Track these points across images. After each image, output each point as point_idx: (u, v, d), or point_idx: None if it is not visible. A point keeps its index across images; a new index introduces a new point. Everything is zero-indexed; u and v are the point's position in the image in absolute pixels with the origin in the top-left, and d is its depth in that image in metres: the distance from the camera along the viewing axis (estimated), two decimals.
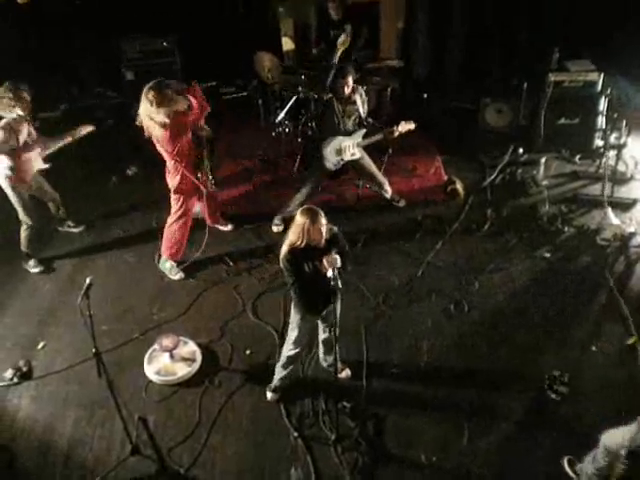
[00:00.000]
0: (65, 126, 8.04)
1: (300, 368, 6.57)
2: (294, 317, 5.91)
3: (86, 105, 10.65)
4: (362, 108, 8.15)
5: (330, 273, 5.18)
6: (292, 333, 5.99)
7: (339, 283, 5.22)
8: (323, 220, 5.26)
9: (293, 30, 11.19)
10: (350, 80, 7.94)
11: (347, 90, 7.94)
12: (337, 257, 5.25)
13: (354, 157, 8.13)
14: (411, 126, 8.12)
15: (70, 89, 10.80)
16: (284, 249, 5.39)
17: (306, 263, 5.36)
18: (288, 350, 6.09)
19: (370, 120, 8.35)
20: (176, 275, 7.81)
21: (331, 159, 8.01)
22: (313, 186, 8.36)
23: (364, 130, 8.13)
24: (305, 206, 5.40)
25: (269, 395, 6.34)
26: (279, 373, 6.26)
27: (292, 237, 5.31)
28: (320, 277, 5.32)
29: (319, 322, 6.05)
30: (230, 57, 10.70)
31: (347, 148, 8.03)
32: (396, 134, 8.08)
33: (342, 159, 8.08)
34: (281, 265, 5.49)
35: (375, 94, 9.93)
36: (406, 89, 10.20)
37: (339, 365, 6.20)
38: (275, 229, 8.40)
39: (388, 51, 11.11)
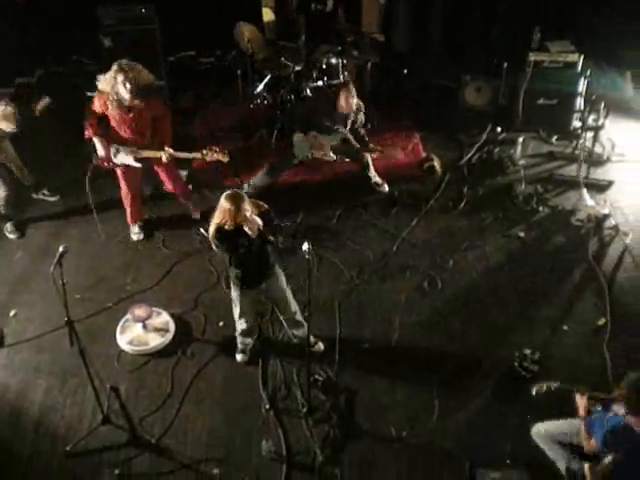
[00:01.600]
0: (40, 92, 7.96)
1: (272, 336, 6.66)
2: (233, 293, 6.03)
3: (62, 71, 10.51)
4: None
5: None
6: (235, 309, 6.13)
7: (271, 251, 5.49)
8: (247, 206, 5.33)
9: (274, 1, 11.07)
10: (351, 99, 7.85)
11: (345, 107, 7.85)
12: (255, 217, 5.35)
13: (325, 158, 8.07)
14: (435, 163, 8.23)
15: (45, 55, 10.65)
16: (211, 229, 5.48)
17: (239, 240, 5.43)
18: (238, 324, 6.23)
19: (361, 131, 8.18)
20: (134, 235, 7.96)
21: (300, 151, 7.96)
22: (276, 172, 8.34)
23: (343, 133, 8.03)
24: (229, 192, 5.42)
25: (238, 357, 6.44)
26: (240, 339, 6.37)
27: (217, 220, 5.42)
28: (254, 253, 5.47)
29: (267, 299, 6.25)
30: (210, 26, 10.58)
31: (321, 147, 7.96)
32: (373, 155, 8.16)
33: (312, 154, 8.05)
34: (212, 243, 5.58)
35: (355, 69, 9.89)
36: (386, 64, 10.13)
37: (311, 339, 6.26)
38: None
39: (370, 25, 11.04)
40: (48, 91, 8.08)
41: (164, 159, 7.06)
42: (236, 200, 5.29)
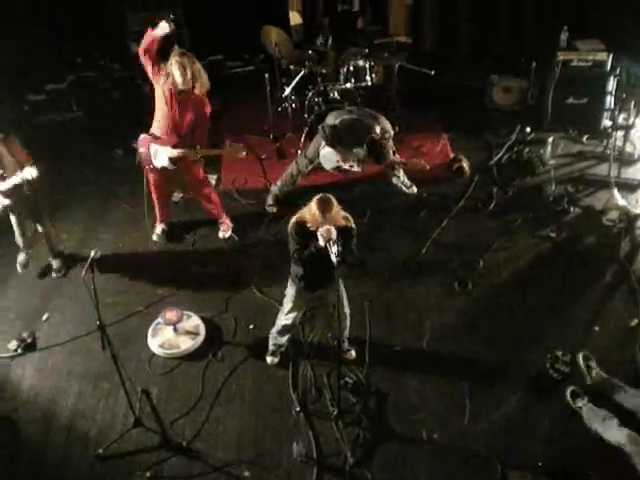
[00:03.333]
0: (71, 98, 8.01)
1: (302, 339, 6.67)
2: (289, 289, 6.01)
3: (91, 77, 10.61)
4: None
5: (334, 250, 5.17)
6: (286, 305, 6.09)
7: (335, 261, 5.18)
8: (333, 215, 5.29)
9: (301, 4, 11.10)
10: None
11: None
12: (332, 229, 5.24)
13: (352, 169, 7.98)
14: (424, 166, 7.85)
15: (75, 61, 10.75)
16: (293, 219, 5.48)
17: (312, 241, 5.36)
18: (282, 320, 6.19)
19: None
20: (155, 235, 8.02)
21: (327, 163, 7.95)
22: (299, 173, 8.25)
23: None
24: (322, 195, 5.39)
25: (269, 359, 6.45)
26: (274, 339, 6.36)
27: (306, 216, 5.38)
28: (321, 258, 5.34)
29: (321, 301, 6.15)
30: (237, 31, 10.63)
31: (347, 159, 7.85)
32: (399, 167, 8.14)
33: (339, 167, 8.00)
34: (288, 232, 5.54)
35: (383, 70, 9.88)
36: (414, 65, 10.11)
37: (346, 345, 6.29)
38: (269, 210, 8.33)
39: (397, 27, 11.04)
40: (77, 97, 8.10)
41: (189, 155, 7.12)
42: (324, 206, 5.27)
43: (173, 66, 6.76)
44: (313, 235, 5.31)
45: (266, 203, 8.36)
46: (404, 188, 8.50)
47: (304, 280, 5.76)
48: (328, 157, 7.88)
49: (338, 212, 5.36)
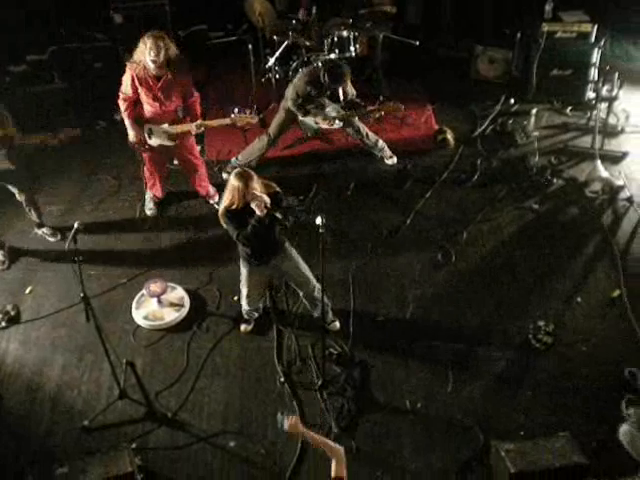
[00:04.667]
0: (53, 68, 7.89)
1: (286, 310, 6.69)
2: (242, 271, 6.08)
3: (73, 47, 10.49)
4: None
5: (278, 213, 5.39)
6: (243, 289, 6.19)
7: (278, 230, 5.57)
8: (255, 184, 5.34)
9: None
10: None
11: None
12: (264, 195, 5.33)
13: (333, 127, 7.96)
14: (398, 106, 7.94)
15: (57, 31, 10.62)
16: (220, 209, 5.54)
17: (247, 218, 5.44)
18: (245, 305, 6.33)
19: (358, 100, 8.02)
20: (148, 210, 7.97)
21: (307, 128, 7.90)
22: (272, 140, 8.19)
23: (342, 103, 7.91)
24: (238, 170, 5.46)
25: (242, 327, 6.53)
26: (245, 313, 6.46)
27: (226, 200, 5.45)
28: (263, 230, 5.46)
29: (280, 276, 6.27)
30: (220, 0, 10.54)
31: (325, 118, 7.81)
32: (378, 113, 8.03)
33: (319, 128, 7.99)
34: (222, 224, 5.61)
35: (367, 41, 9.82)
36: (398, 36, 10.05)
37: (330, 316, 6.33)
38: (224, 176, 8.25)
39: None
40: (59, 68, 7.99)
41: (194, 130, 7.07)
42: (245, 178, 5.31)
43: (146, 51, 6.63)
44: (245, 213, 5.41)
45: (222, 173, 8.36)
46: (385, 159, 8.48)
47: (254, 257, 5.82)
48: (306, 122, 7.88)
49: (258, 181, 5.41)
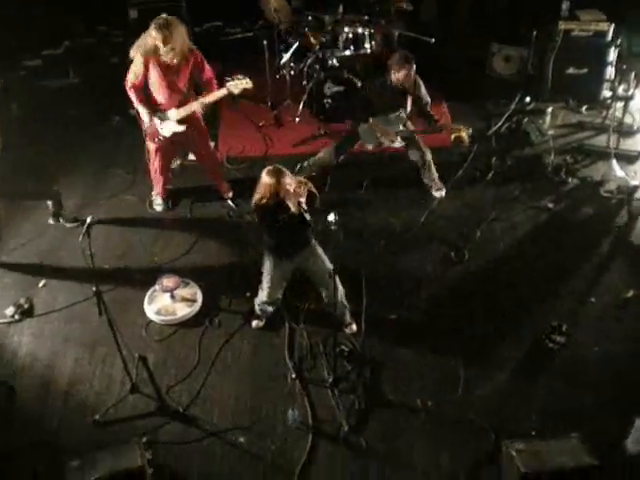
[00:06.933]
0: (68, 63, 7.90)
1: (299, 307, 6.67)
2: (266, 264, 6.05)
3: (89, 43, 10.53)
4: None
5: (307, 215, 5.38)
6: (265, 281, 6.15)
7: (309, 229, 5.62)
8: (288, 180, 5.36)
9: None
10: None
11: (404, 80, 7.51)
12: (300, 193, 5.40)
13: (392, 145, 7.82)
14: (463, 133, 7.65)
15: (73, 26, 10.65)
16: (253, 204, 5.57)
17: (279, 214, 5.47)
18: (262, 295, 6.28)
19: (427, 108, 7.82)
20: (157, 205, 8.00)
21: (368, 140, 7.84)
22: (336, 154, 8.00)
23: (404, 118, 7.75)
24: (270, 167, 5.47)
25: (254, 323, 6.52)
26: (259, 308, 6.43)
27: (258, 195, 5.48)
28: (291, 225, 5.50)
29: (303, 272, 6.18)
30: None
31: (387, 133, 7.69)
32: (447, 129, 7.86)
33: (380, 142, 7.84)
34: (256, 220, 5.73)
35: (382, 38, 9.80)
36: (414, 33, 10.02)
37: (347, 319, 6.36)
38: None
39: None
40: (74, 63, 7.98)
41: (198, 108, 7.05)
42: (277, 175, 5.34)
43: (157, 42, 6.60)
44: (277, 207, 5.42)
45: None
46: (432, 191, 8.04)
47: (278, 250, 5.85)
48: (368, 133, 7.77)
49: (292, 177, 5.43)
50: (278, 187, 5.32)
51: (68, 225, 7.64)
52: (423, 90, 7.72)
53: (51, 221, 7.71)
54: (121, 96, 7.24)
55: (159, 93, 7.03)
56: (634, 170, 8.21)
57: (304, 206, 5.39)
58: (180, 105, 7.05)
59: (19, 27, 9.78)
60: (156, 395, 5.96)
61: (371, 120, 7.67)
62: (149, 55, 6.76)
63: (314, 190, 5.60)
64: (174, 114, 7.06)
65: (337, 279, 5.72)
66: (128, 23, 9.92)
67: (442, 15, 11.22)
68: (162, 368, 6.21)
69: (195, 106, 7.04)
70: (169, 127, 7.13)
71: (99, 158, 8.82)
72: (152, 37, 6.62)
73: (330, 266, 5.87)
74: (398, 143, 7.78)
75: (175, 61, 6.74)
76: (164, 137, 7.20)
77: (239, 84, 6.93)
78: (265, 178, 5.38)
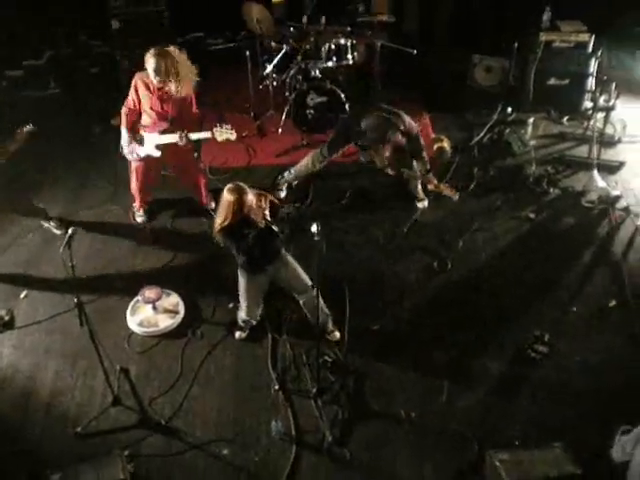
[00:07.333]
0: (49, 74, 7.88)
1: (281, 318, 6.67)
2: (241, 282, 6.05)
3: (70, 53, 10.50)
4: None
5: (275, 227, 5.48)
6: (242, 299, 6.18)
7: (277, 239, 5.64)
8: (250, 196, 5.38)
9: None
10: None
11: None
12: (262, 206, 5.46)
13: (382, 167, 7.66)
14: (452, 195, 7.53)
15: (54, 37, 10.63)
16: (216, 226, 5.52)
17: (245, 231, 5.47)
18: (243, 315, 6.32)
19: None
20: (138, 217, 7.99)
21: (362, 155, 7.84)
22: (328, 156, 7.89)
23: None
24: (230, 185, 5.44)
25: (237, 334, 6.51)
26: (241, 320, 6.43)
27: (220, 217, 5.45)
28: (261, 240, 5.50)
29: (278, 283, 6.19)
30: (218, 7, 10.55)
31: (380, 155, 7.51)
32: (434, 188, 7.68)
33: (370, 158, 7.89)
34: (221, 243, 5.65)
35: (365, 49, 9.84)
36: (396, 45, 10.07)
37: (330, 326, 6.37)
38: (282, 195, 8.11)
39: (380, 6, 10.96)
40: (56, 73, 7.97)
41: (178, 140, 7.01)
42: (239, 191, 5.33)
43: (149, 67, 6.66)
44: (241, 226, 5.43)
45: (277, 187, 8.17)
46: (416, 201, 8.06)
47: (251, 265, 5.81)
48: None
49: (252, 192, 5.43)
50: (242, 203, 5.31)
51: (57, 232, 7.64)
52: (423, 154, 7.58)
53: (43, 223, 7.71)
54: (102, 107, 7.22)
55: (146, 116, 7.07)
56: (615, 180, 8.26)
57: (268, 218, 5.45)
58: (166, 131, 7.05)
59: (1, 37, 9.75)
60: (138, 407, 5.93)
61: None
62: (142, 75, 6.84)
63: (275, 200, 5.66)
64: (154, 139, 7.08)
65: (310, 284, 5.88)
66: (111, 33, 9.91)
67: (424, 27, 11.28)
68: (144, 380, 6.17)
69: (175, 138, 7.00)
70: (145, 149, 7.16)
71: (80, 169, 8.79)
72: (147, 62, 6.67)
73: (302, 272, 6.01)
74: (391, 170, 7.63)
75: (168, 89, 6.79)
76: (138, 155, 7.22)
77: (224, 133, 6.95)
78: (227, 196, 5.34)
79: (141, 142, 7.13)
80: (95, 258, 7.40)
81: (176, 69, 6.68)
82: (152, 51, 6.65)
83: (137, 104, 7.02)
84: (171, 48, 6.77)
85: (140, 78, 6.89)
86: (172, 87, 6.76)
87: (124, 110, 7.08)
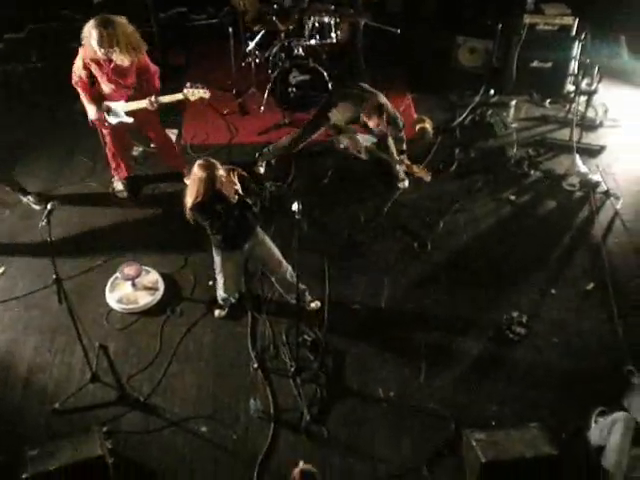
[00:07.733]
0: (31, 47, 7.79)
1: (261, 296, 6.66)
2: (216, 260, 6.05)
3: (53, 27, 10.38)
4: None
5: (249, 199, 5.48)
6: (219, 277, 6.18)
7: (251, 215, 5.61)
8: (221, 172, 5.35)
9: None
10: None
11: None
12: (235, 181, 5.44)
13: (357, 155, 7.82)
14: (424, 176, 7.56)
15: (37, 10, 10.50)
16: (187, 204, 5.47)
17: (217, 206, 5.44)
18: (221, 292, 6.31)
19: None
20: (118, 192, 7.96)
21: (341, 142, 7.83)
22: (308, 135, 7.90)
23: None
24: (201, 161, 5.41)
25: (216, 312, 6.51)
26: (221, 299, 6.43)
27: (192, 194, 5.39)
28: (233, 217, 5.50)
29: (257, 264, 6.28)
30: None
31: (356, 144, 7.73)
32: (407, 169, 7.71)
33: (346, 146, 7.86)
34: (193, 219, 5.58)
35: (348, 27, 9.79)
36: (379, 24, 10.02)
37: (308, 298, 6.39)
38: (261, 171, 8.12)
39: None
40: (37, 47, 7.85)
41: (148, 106, 6.90)
42: (210, 167, 5.30)
43: (92, 41, 6.48)
44: (213, 202, 5.40)
45: (257, 164, 8.14)
46: (397, 182, 8.01)
47: (226, 243, 5.80)
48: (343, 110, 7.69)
49: (222, 168, 5.41)
50: (213, 178, 5.27)
51: (36, 207, 7.59)
52: (401, 134, 7.66)
53: (22, 198, 7.67)
54: None
55: (105, 86, 6.96)
56: (596, 164, 8.29)
57: (240, 191, 5.43)
58: (129, 99, 6.99)
59: None
60: (117, 384, 5.93)
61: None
62: (86, 49, 6.67)
63: (244, 173, 5.62)
64: (122, 106, 7.01)
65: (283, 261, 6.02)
66: (92, 7, 9.79)
67: (408, 6, 11.23)
68: (123, 357, 6.16)
69: (145, 103, 6.91)
70: (116, 118, 7.09)
71: (61, 144, 8.71)
72: (87, 35, 6.52)
73: (276, 249, 6.07)
74: (364, 156, 7.76)
75: (118, 60, 6.65)
76: (109, 124, 7.16)
77: (196, 92, 6.85)
78: (198, 172, 5.30)
79: (109, 112, 7.05)
80: (74, 234, 7.35)
81: (117, 36, 6.48)
82: (91, 22, 6.46)
83: (86, 75, 6.84)
84: (111, 16, 6.57)
85: (88, 57, 6.69)
86: (116, 56, 6.57)
87: (74, 82, 6.92)
